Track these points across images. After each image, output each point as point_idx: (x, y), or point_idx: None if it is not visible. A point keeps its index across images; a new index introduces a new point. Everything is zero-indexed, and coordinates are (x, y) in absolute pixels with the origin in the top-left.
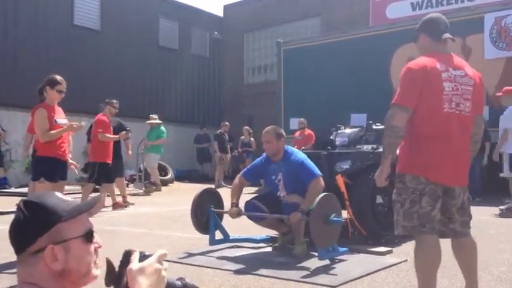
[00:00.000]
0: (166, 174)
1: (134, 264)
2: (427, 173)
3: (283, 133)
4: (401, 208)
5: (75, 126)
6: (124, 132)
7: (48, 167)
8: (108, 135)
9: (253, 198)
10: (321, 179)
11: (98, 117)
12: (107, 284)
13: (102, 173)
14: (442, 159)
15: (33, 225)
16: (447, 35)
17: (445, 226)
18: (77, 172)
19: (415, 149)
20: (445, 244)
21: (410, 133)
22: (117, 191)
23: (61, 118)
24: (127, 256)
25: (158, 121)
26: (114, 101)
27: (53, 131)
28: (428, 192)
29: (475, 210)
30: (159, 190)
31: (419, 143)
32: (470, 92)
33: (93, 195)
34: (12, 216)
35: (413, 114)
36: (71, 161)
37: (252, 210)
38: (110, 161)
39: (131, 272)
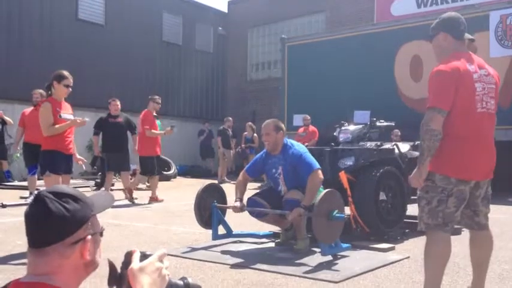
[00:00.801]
0: (169, 169)
1: (135, 263)
2: (458, 173)
3: (283, 127)
4: (428, 206)
5: (78, 121)
6: (169, 128)
7: (52, 160)
8: (154, 131)
9: (254, 195)
10: (320, 171)
11: (143, 114)
12: (109, 285)
13: (151, 166)
14: (475, 158)
15: (77, 217)
16: (468, 35)
17: (471, 219)
18: (84, 167)
19: (448, 148)
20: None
21: (444, 133)
22: (121, 185)
23: (67, 113)
24: (128, 257)
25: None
26: (156, 97)
27: (56, 126)
28: (455, 193)
29: None
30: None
31: (452, 142)
32: (493, 90)
33: (99, 191)
34: (18, 209)
35: (447, 115)
36: (78, 156)
37: (254, 207)
38: (157, 154)
39: (132, 271)
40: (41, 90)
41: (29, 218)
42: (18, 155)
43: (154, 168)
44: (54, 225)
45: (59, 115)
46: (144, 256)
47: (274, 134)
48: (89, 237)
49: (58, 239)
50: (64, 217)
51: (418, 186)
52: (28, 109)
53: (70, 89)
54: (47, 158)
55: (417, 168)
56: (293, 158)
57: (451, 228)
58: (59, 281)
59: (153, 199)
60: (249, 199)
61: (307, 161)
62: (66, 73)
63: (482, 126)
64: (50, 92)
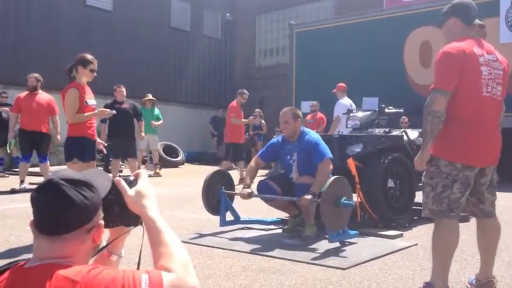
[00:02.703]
0: (177, 156)
1: (129, 191)
2: (464, 158)
3: (300, 114)
4: (432, 192)
5: (106, 113)
6: (252, 116)
7: (80, 147)
8: (239, 120)
9: (266, 178)
10: (330, 161)
11: (231, 104)
12: (106, 226)
13: (237, 152)
14: (481, 143)
15: (94, 204)
16: (478, 21)
17: (475, 207)
18: (105, 151)
19: (452, 133)
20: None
21: (448, 117)
22: (128, 172)
23: (91, 99)
24: (113, 187)
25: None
26: (245, 91)
27: (82, 114)
28: (460, 179)
29: None
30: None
31: (456, 126)
32: (501, 76)
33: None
34: (28, 195)
35: (451, 98)
36: (99, 140)
37: (265, 190)
38: (242, 141)
39: (131, 199)
40: (36, 75)
41: (48, 206)
42: (13, 142)
43: (241, 154)
44: (77, 214)
45: (85, 101)
46: (131, 182)
47: (293, 122)
48: (101, 222)
49: (78, 226)
50: (85, 205)
51: (421, 169)
52: (22, 94)
53: (95, 74)
54: (76, 145)
55: (420, 150)
56: (308, 144)
57: (457, 215)
58: (73, 263)
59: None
60: (260, 182)
61: (320, 149)
62: (90, 57)
63: (487, 110)
64: (72, 75)
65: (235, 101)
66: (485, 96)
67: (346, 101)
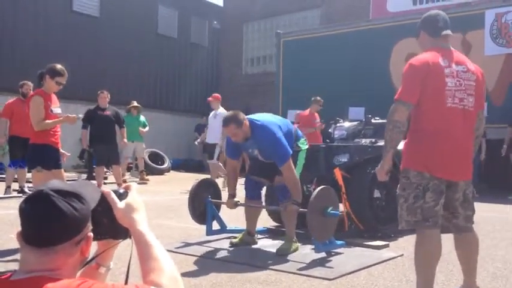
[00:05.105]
0: (163, 163)
1: (119, 204)
2: (431, 169)
3: (242, 115)
4: (405, 203)
5: (71, 117)
6: (319, 123)
7: (43, 155)
8: (311, 128)
9: (248, 174)
10: (290, 161)
11: (301, 113)
12: (95, 239)
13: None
14: (447, 155)
15: (84, 216)
16: (447, 32)
17: (448, 221)
18: (64, 161)
19: (420, 144)
20: (443, 239)
21: (415, 129)
22: (113, 179)
23: (56, 107)
24: (102, 199)
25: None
26: (318, 98)
27: (48, 121)
28: (432, 187)
29: None
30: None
31: (423, 138)
32: (473, 87)
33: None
34: (10, 202)
35: (416, 110)
36: (62, 151)
37: (252, 187)
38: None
39: (121, 212)
40: (29, 82)
41: (37, 217)
42: (6, 148)
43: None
44: (66, 226)
45: (50, 109)
46: (121, 195)
47: (240, 130)
48: (90, 234)
49: (68, 238)
50: (75, 217)
51: (382, 179)
52: (11, 100)
53: (61, 87)
54: (38, 153)
55: (381, 160)
56: (266, 148)
57: (433, 224)
58: (61, 276)
59: None
60: (245, 182)
61: (278, 154)
62: (61, 69)
63: (454, 122)
64: (42, 82)
65: (308, 109)
66: (450, 107)
67: (223, 111)
